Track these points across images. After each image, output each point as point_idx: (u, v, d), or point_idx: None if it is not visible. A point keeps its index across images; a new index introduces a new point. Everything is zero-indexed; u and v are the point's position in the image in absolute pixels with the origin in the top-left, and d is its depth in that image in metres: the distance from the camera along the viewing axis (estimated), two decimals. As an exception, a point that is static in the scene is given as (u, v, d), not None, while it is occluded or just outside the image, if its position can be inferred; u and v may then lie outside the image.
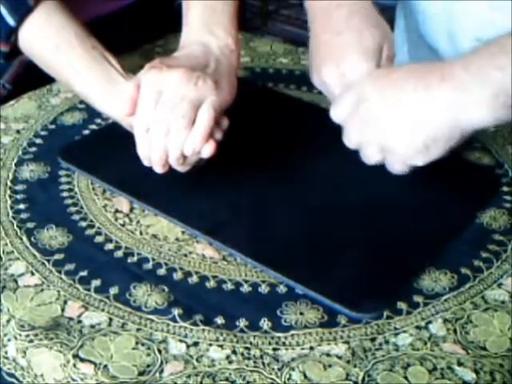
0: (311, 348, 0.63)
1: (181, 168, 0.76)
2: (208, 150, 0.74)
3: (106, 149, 0.86)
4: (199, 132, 0.73)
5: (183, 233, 0.75)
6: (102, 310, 0.66)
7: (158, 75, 0.75)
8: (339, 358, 0.62)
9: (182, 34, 0.85)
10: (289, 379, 0.60)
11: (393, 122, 0.72)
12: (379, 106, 0.72)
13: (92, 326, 0.65)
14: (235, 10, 0.87)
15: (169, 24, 1.08)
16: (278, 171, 0.82)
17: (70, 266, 0.71)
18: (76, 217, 0.77)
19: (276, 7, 3.26)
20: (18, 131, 0.90)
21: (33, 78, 0.98)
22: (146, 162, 0.76)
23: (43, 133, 0.90)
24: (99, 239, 0.74)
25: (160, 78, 0.75)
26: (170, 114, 0.74)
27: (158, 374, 0.61)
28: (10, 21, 0.87)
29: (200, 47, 0.81)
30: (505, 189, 0.81)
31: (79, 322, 0.65)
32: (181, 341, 0.63)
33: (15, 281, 0.69)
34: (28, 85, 0.99)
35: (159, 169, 0.75)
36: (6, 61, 0.93)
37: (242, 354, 0.62)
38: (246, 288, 0.69)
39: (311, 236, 0.73)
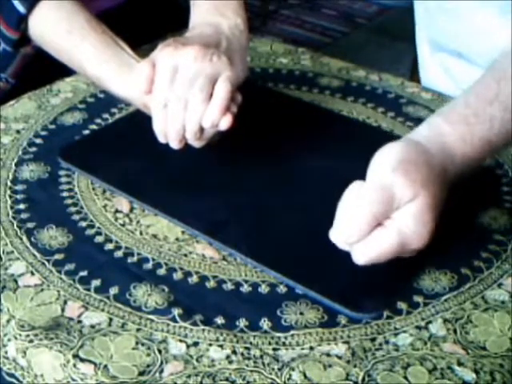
0: (311, 348, 0.63)
1: (197, 143, 0.77)
2: (226, 123, 0.75)
3: (106, 149, 0.86)
4: (217, 104, 0.74)
5: (183, 233, 0.75)
6: (102, 310, 0.66)
7: (174, 52, 0.76)
8: (339, 358, 0.62)
9: (190, 18, 0.86)
10: (289, 379, 0.60)
11: None
12: None
13: (92, 326, 0.65)
14: None
15: (169, 24, 1.08)
16: (277, 171, 0.82)
17: (70, 266, 0.71)
18: (76, 217, 0.77)
19: (276, 7, 3.26)
20: (18, 131, 0.90)
21: (35, 73, 0.98)
22: (162, 139, 0.77)
23: (43, 133, 0.90)
24: (99, 239, 0.74)
25: (175, 55, 0.76)
26: (187, 89, 0.75)
27: (157, 374, 0.61)
28: (20, 8, 0.87)
29: (211, 27, 0.82)
30: (505, 189, 0.81)
31: (79, 322, 0.65)
32: (181, 341, 0.63)
33: (15, 281, 0.69)
34: (31, 80, 0.99)
35: (176, 144, 0.76)
36: (14, 49, 0.94)
37: (242, 354, 0.62)
38: (246, 288, 0.69)
39: (311, 236, 0.73)
